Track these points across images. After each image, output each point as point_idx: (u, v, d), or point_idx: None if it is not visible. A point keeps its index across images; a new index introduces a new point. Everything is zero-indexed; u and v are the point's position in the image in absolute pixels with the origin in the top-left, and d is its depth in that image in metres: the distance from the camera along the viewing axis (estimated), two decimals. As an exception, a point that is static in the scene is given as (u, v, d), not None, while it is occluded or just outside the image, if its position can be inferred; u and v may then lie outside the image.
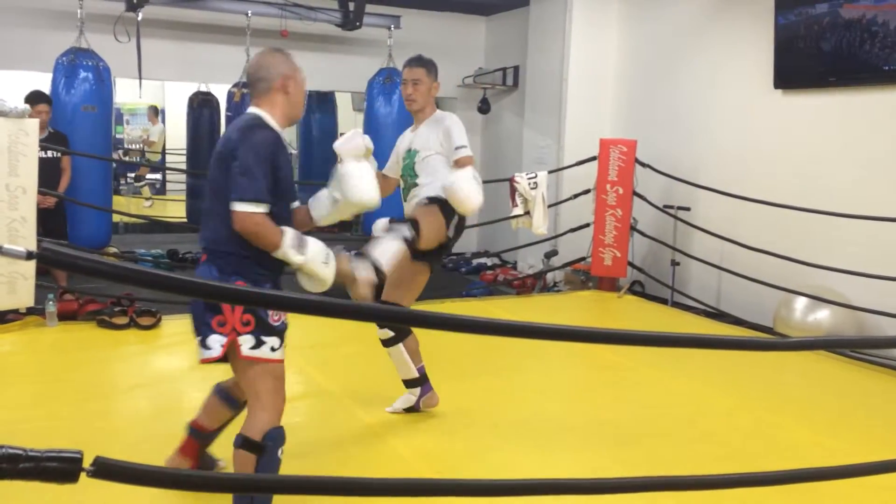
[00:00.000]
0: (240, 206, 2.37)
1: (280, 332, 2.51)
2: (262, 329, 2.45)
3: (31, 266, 4.79)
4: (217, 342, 2.44)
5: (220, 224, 2.44)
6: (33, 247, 1.17)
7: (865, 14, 5.17)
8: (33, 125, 4.91)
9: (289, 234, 2.43)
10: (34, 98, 5.98)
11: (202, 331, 2.46)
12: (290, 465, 3.12)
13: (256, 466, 2.36)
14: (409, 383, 3.68)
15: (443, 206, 3.40)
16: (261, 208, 2.38)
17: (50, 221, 5.72)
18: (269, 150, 2.45)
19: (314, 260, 2.47)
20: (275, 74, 2.55)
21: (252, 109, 2.57)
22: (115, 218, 8.38)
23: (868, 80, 5.25)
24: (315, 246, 2.48)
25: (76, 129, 6.39)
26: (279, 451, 2.43)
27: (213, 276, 2.45)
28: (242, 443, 2.40)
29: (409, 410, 3.70)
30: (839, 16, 5.34)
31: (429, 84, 3.65)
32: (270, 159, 2.44)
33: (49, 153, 5.80)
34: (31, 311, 5.01)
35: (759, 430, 3.70)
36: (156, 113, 13.46)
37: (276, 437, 2.43)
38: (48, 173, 5.72)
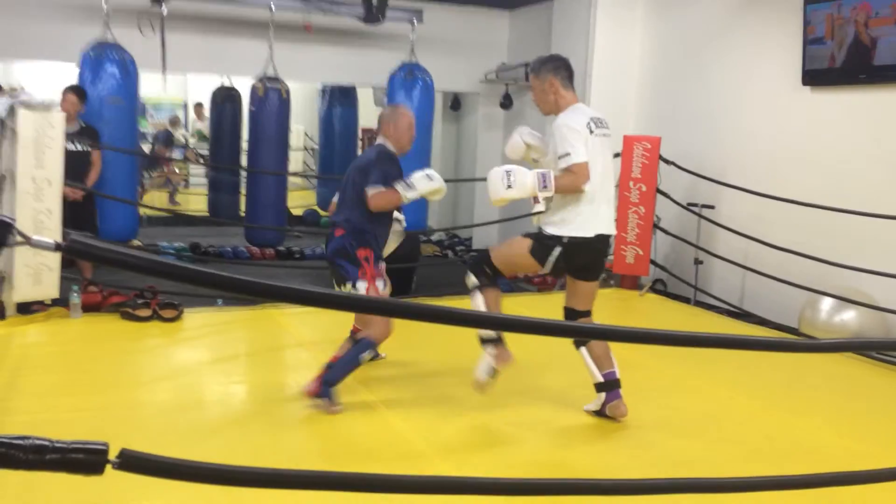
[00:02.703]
0: (370, 191, 3.66)
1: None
2: (381, 275, 3.82)
3: (56, 257, 4.84)
4: (363, 287, 3.70)
5: (357, 209, 3.73)
6: (58, 238, 1.17)
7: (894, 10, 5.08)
8: (59, 118, 4.96)
9: (398, 186, 3.68)
10: (67, 88, 6.06)
11: (350, 280, 3.73)
12: (312, 460, 3.14)
13: (350, 353, 3.69)
14: (596, 387, 3.66)
15: (535, 240, 3.54)
16: (380, 188, 3.67)
17: (80, 215, 5.78)
18: (389, 157, 3.80)
19: (422, 189, 3.71)
20: (384, 119, 3.88)
21: (378, 140, 3.89)
22: (139, 211, 8.46)
23: (898, 77, 5.17)
24: (418, 178, 3.72)
25: (103, 121, 6.45)
26: (361, 355, 3.63)
27: (348, 243, 3.74)
28: (356, 339, 3.78)
29: (597, 414, 3.69)
30: (868, 12, 5.24)
31: (540, 86, 3.59)
32: (389, 163, 3.77)
33: (79, 146, 5.85)
34: (55, 303, 5.06)
35: (784, 433, 3.66)
36: (202, 107, 13.51)
37: (367, 345, 3.64)
38: (77, 166, 5.78)
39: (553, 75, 3.57)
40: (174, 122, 14.13)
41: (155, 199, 12.29)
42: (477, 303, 3.61)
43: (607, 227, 3.55)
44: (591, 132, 3.46)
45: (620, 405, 3.62)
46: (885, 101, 5.32)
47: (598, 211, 3.48)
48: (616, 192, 6.66)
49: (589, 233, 3.45)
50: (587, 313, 3.73)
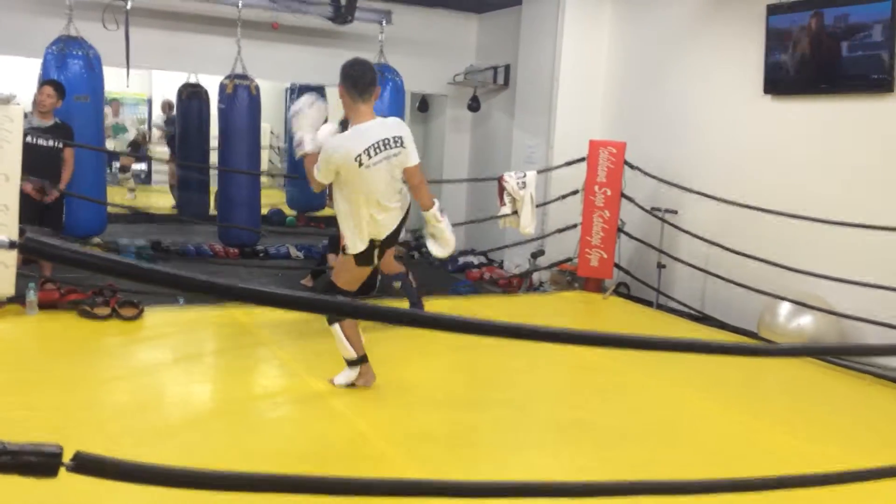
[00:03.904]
0: None
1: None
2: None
3: (11, 254, 4.73)
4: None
5: None
6: (14, 235, 1.15)
7: (855, 22, 5.20)
8: (18, 112, 4.85)
9: None
10: (45, 80, 5.93)
11: None
12: (271, 462, 3.11)
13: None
14: (349, 362, 3.87)
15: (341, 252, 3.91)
16: None
17: (47, 213, 5.67)
18: None
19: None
20: None
21: None
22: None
23: (857, 87, 5.28)
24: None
25: (69, 118, 6.31)
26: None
27: None
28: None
29: (349, 386, 3.89)
30: (830, 23, 5.36)
31: (340, 92, 3.76)
32: None
33: (51, 142, 5.72)
34: (10, 300, 4.95)
35: (741, 435, 3.72)
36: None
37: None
38: (48, 163, 5.66)
39: (342, 84, 3.64)
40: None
41: (116, 196, 12.07)
42: (338, 335, 3.79)
43: (379, 231, 3.73)
44: (362, 164, 3.57)
45: (369, 372, 3.90)
46: (845, 111, 5.44)
47: (371, 224, 3.69)
48: (582, 195, 6.74)
49: (363, 245, 3.72)
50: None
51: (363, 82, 3.62)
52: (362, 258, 3.77)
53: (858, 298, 5.03)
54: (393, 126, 3.73)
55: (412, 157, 3.76)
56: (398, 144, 3.68)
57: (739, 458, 3.40)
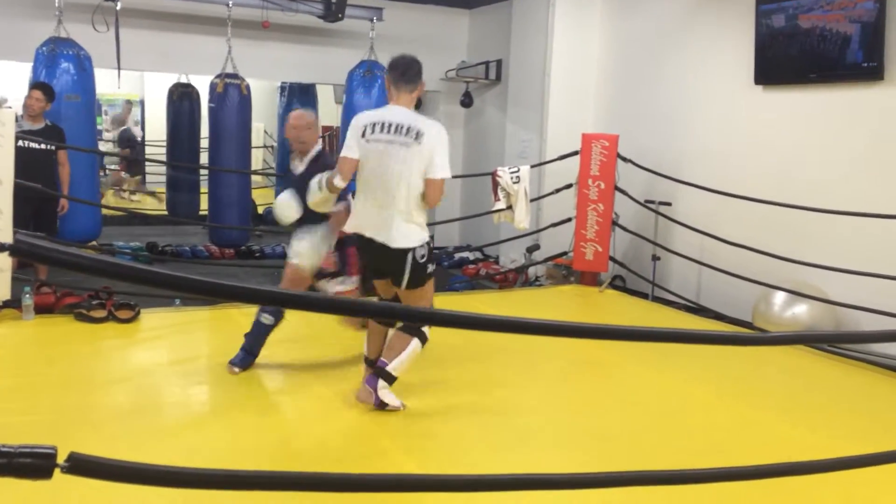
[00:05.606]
0: None
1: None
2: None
3: (6, 258, 4.72)
4: None
5: None
6: (9, 239, 1.14)
7: (846, 11, 5.20)
8: (9, 115, 4.83)
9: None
10: (33, 84, 5.93)
11: None
12: (276, 461, 3.11)
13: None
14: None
15: None
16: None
17: (42, 216, 5.68)
18: None
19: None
20: None
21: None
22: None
23: (848, 76, 5.30)
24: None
25: (61, 119, 6.30)
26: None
27: None
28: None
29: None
30: (820, 12, 5.37)
31: None
32: None
33: (43, 145, 5.72)
34: (6, 305, 4.94)
35: (739, 425, 3.73)
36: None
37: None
38: (41, 165, 5.65)
39: (387, 75, 3.69)
40: (120, 120, 13.80)
41: (109, 199, 12.04)
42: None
43: (372, 230, 3.42)
44: (363, 135, 3.49)
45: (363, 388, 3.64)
46: (836, 100, 5.45)
47: (361, 211, 3.49)
48: (576, 188, 6.74)
49: (354, 229, 3.53)
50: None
51: (397, 71, 3.60)
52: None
53: (853, 287, 5.04)
54: (418, 120, 3.48)
55: (435, 167, 3.38)
56: (403, 135, 3.42)
57: (738, 447, 3.41)
